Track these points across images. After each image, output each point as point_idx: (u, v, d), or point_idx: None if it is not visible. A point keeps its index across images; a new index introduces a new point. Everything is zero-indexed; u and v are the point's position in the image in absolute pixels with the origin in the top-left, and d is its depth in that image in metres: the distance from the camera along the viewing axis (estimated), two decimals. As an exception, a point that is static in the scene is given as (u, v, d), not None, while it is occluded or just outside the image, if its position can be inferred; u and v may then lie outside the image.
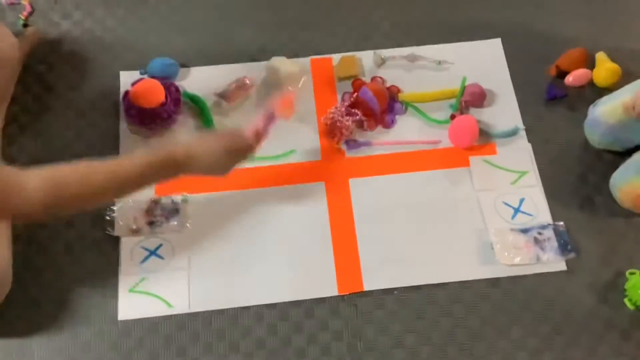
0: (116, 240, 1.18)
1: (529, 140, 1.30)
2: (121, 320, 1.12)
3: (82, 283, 1.15)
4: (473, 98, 1.32)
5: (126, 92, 1.29)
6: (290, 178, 1.25)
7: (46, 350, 1.10)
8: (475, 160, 1.27)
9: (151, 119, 1.27)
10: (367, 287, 1.15)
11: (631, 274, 1.16)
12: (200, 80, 1.35)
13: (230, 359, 1.10)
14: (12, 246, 1.11)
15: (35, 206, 0.93)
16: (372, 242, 1.19)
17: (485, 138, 1.29)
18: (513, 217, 1.22)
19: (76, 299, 1.13)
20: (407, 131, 1.31)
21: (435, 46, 1.40)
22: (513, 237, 1.19)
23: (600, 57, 1.36)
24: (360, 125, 1.30)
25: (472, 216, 1.22)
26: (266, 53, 1.38)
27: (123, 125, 1.29)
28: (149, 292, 1.14)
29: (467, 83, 1.33)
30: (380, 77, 1.36)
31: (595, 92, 1.33)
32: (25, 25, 1.37)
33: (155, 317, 1.12)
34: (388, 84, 1.35)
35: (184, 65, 1.36)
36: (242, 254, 1.18)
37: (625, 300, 1.14)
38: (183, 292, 1.14)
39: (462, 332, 1.12)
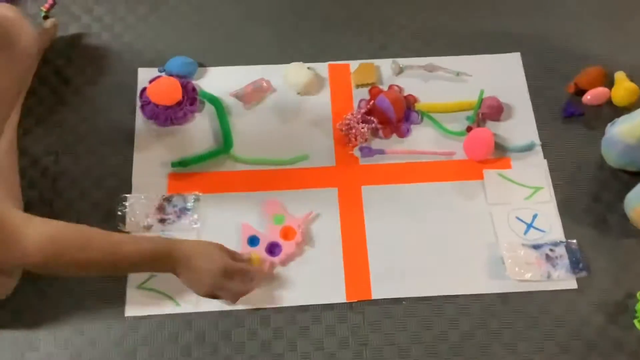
0: (127, 235, 1.18)
1: (545, 156, 1.29)
2: (128, 317, 1.12)
3: (90, 278, 1.14)
4: (490, 111, 1.31)
5: (143, 89, 1.30)
6: (303, 182, 1.25)
7: (52, 343, 1.10)
8: (489, 173, 1.27)
9: (167, 117, 1.27)
10: (375, 295, 1.15)
11: (642, 295, 1.15)
12: (217, 80, 1.35)
13: (235, 360, 1.10)
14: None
15: (31, 262, 0.94)
16: (382, 251, 1.19)
17: (500, 152, 1.29)
18: (525, 232, 1.21)
19: (84, 294, 1.13)
20: (422, 141, 1.31)
21: (454, 57, 1.39)
22: (525, 252, 1.18)
23: (619, 76, 1.36)
24: (375, 132, 1.30)
25: (484, 230, 1.21)
26: (285, 56, 1.38)
27: (139, 122, 1.30)
28: (157, 290, 1.13)
29: (484, 96, 1.33)
30: (398, 86, 1.35)
31: (613, 111, 1.32)
32: (45, 18, 1.38)
33: (162, 314, 1.12)
34: (405, 93, 1.35)
35: (201, 65, 1.37)
36: (251, 256, 1.18)
37: (635, 321, 1.13)
38: (191, 291, 1.13)
39: (469, 346, 1.12)
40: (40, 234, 0.93)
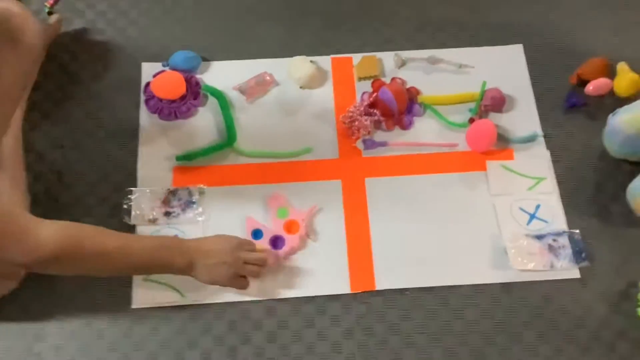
0: (132, 229, 1.19)
1: (547, 147, 1.30)
2: (135, 308, 1.13)
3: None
4: (493, 102, 1.32)
5: (147, 84, 1.31)
6: (307, 175, 1.26)
7: (60, 335, 1.11)
8: (492, 164, 1.27)
9: (171, 111, 1.28)
10: (379, 286, 1.16)
11: (645, 284, 1.16)
12: (220, 75, 1.36)
13: (240, 351, 1.10)
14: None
15: (45, 255, 0.93)
16: (386, 242, 1.20)
17: (503, 143, 1.30)
18: (528, 222, 1.22)
19: (91, 286, 1.14)
20: (425, 133, 1.31)
21: (457, 50, 1.40)
22: (528, 242, 1.19)
23: (622, 67, 1.36)
24: (378, 125, 1.30)
25: (487, 220, 1.22)
26: (288, 50, 1.39)
27: (143, 116, 1.31)
28: (163, 282, 1.14)
29: (487, 87, 1.33)
30: (400, 78, 1.36)
31: (615, 101, 1.33)
32: (50, 13, 1.39)
33: (168, 306, 1.13)
34: (408, 86, 1.36)
35: (205, 59, 1.38)
36: (256, 247, 1.18)
37: (638, 310, 1.14)
38: (196, 282, 1.14)
39: (474, 336, 1.12)
40: (53, 228, 0.94)
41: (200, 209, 1.21)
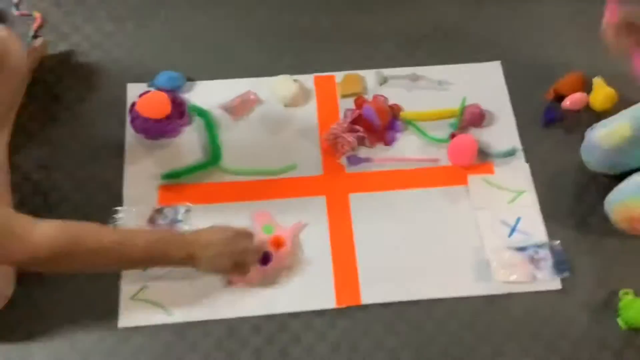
0: (118, 248, 1.20)
1: (527, 161, 1.32)
2: (121, 328, 1.13)
3: (83, 290, 1.16)
4: (472, 118, 1.35)
5: (133, 104, 1.32)
6: (292, 191, 1.27)
7: (46, 356, 1.11)
8: (473, 178, 1.30)
9: (156, 130, 1.29)
10: (364, 300, 1.17)
11: (625, 294, 1.18)
12: (205, 94, 1.38)
13: (228, 368, 1.11)
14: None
15: (41, 252, 0.93)
16: (371, 257, 1.21)
17: (483, 157, 1.32)
18: (510, 235, 1.24)
19: (77, 306, 1.15)
20: (407, 149, 1.34)
21: (437, 67, 1.43)
22: (509, 255, 1.21)
23: (597, 82, 1.39)
24: (361, 141, 1.32)
25: (469, 233, 1.24)
26: (271, 69, 1.41)
27: (129, 136, 1.32)
28: (150, 300, 1.15)
29: (467, 103, 1.36)
30: (382, 96, 1.38)
31: (591, 116, 1.36)
32: (35, 37, 1.40)
33: (155, 325, 1.14)
34: (390, 102, 1.38)
35: (190, 79, 1.39)
36: (242, 265, 1.19)
37: (618, 319, 1.16)
38: (183, 301, 1.15)
39: (457, 349, 1.14)
40: (49, 226, 0.95)
41: (186, 227, 1.22)
